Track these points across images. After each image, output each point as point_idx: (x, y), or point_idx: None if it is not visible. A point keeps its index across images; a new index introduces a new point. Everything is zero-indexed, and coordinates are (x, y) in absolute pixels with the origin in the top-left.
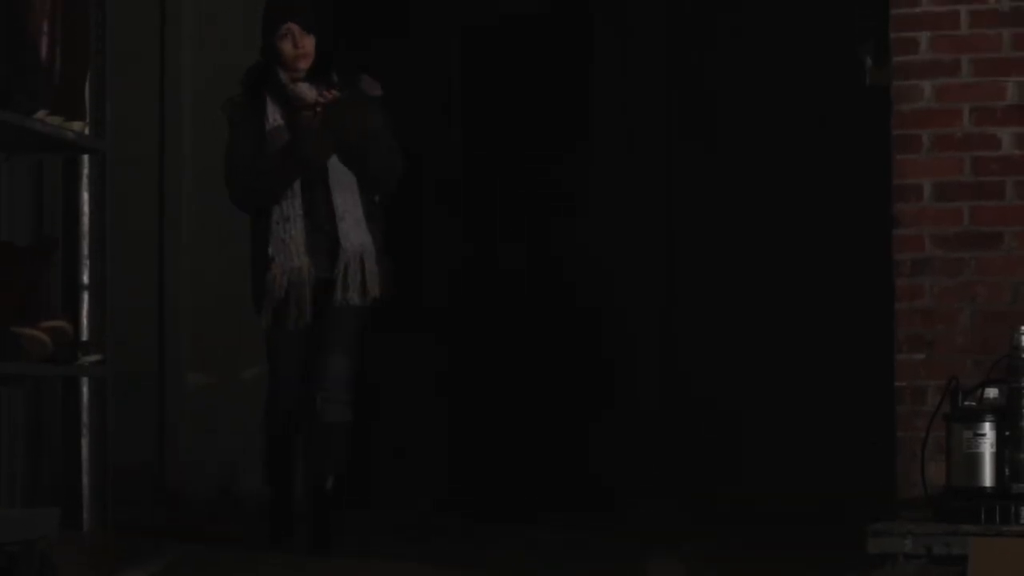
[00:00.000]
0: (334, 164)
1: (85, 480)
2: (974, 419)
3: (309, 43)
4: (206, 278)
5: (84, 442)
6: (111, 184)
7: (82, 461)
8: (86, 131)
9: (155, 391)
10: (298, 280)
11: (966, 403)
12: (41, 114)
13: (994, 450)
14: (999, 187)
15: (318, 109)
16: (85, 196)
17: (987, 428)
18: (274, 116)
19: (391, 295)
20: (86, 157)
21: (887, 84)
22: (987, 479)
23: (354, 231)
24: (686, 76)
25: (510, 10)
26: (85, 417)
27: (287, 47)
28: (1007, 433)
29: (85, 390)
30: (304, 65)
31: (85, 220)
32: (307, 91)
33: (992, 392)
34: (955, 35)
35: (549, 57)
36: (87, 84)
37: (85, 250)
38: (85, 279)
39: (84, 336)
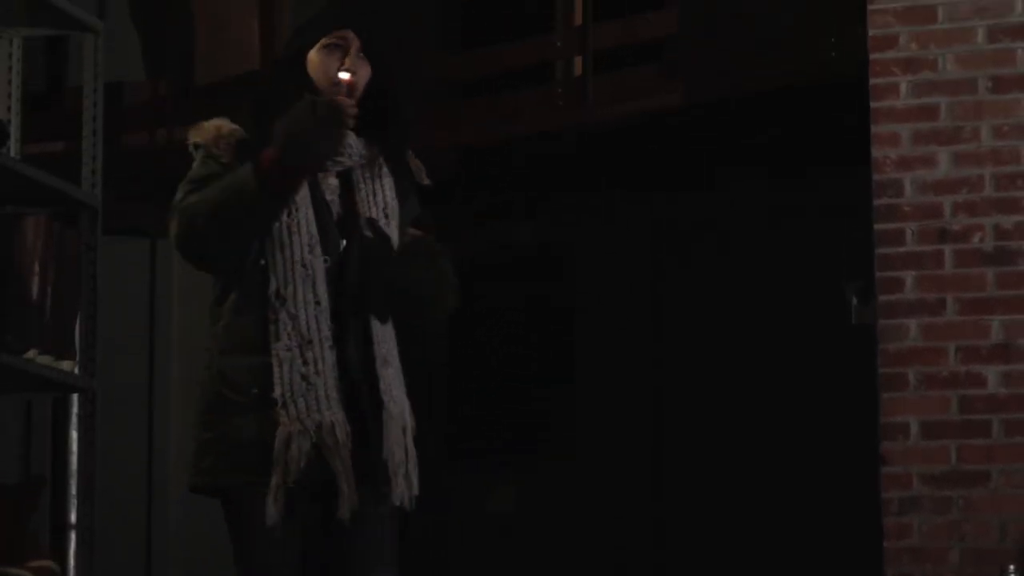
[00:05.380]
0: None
1: None
2: None
3: (364, 72)
4: (194, 521)
5: None
6: (100, 423)
7: None
8: (76, 370)
9: None
10: (332, 442)
11: None
12: (31, 353)
13: None
14: (986, 425)
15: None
16: (74, 435)
17: None
18: None
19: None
20: (75, 396)
21: (873, 323)
22: None
23: (397, 385)
24: (671, 311)
25: (486, 249)
26: None
27: (331, 63)
28: None
29: None
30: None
31: (73, 459)
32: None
33: None
34: (940, 274)
35: (530, 291)
36: (77, 323)
37: (73, 489)
38: (73, 519)
39: None
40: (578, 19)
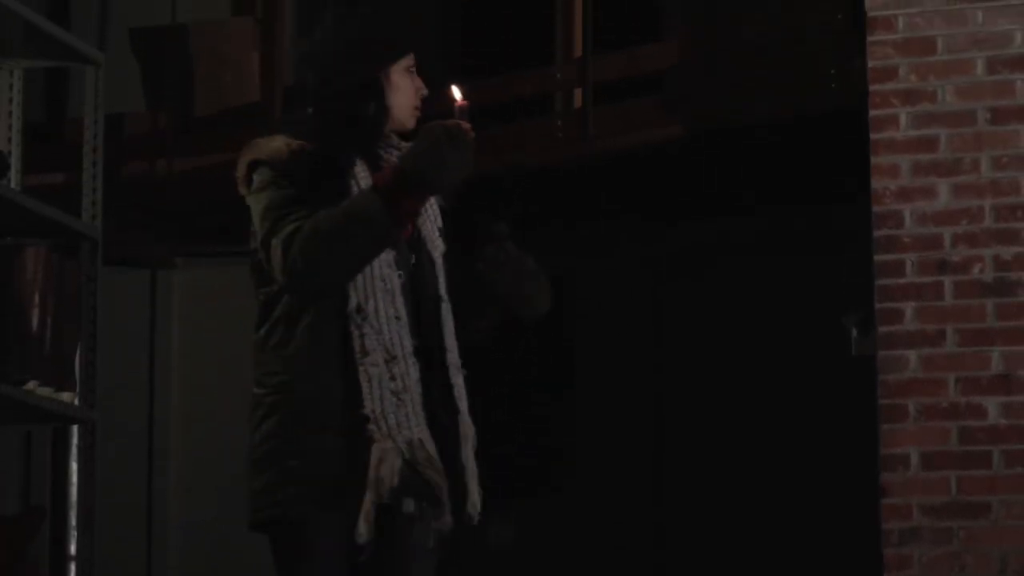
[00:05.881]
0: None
1: None
2: None
3: None
4: (195, 554)
5: None
6: (100, 454)
7: None
8: (76, 401)
9: None
10: (423, 457)
11: None
12: (31, 384)
13: None
14: (986, 456)
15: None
16: (74, 466)
17: None
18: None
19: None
20: (75, 427)
21: (873, 354)
22: None
23: (465, 396)
24: (671, 344)
25: None
26: None
27: (408, 88)
28: None
29: None
30: (413, 125)
31: (73, 490)
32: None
33: None
34: (940, 305)
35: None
36: (77, 354)
37: (73, 520)
38: (72, 550)
39: None
40: (578, 51)
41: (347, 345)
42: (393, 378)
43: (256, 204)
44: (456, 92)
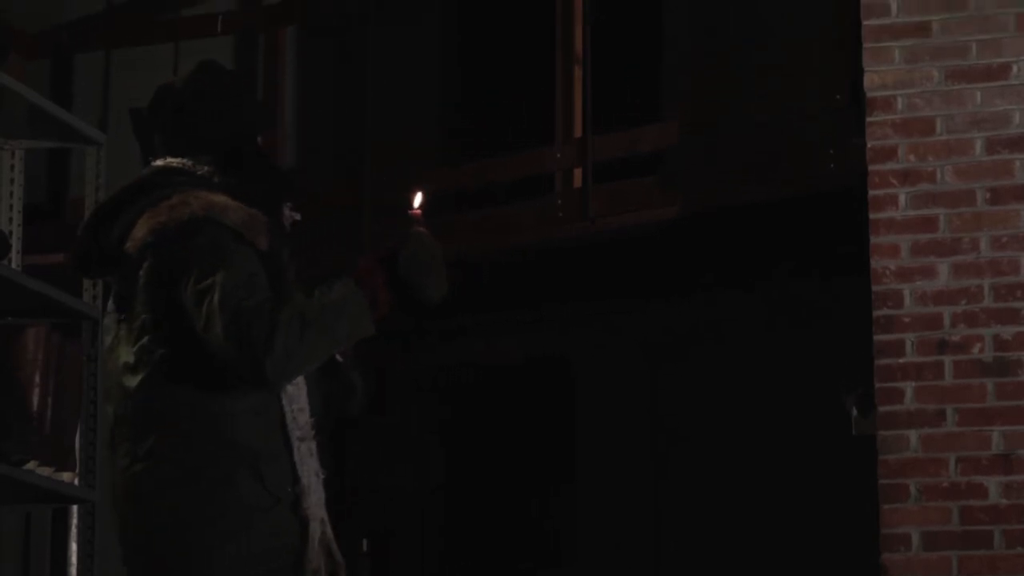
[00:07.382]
0: None
1: None
2: None
3: None
4: None
5: None
6: (100, 535)
7: None
8: (76, 482)
9: None
10: (331, 535)
11: None
12: (31, 464)
13: None
14: (987, 536)
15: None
16: (73, 547)
17: None
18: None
19: None
20: (75, 508)
21: (873, 433)
22: None
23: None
24: (670, 421)
25: (488, 362)
26: None
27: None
28: None
29: None
30: None
31: (73, 571)
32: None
33: None
34: (939, 385)
35: (531, 403)
36: (77, 434)
37: None
38: None
39: None
40: (578, 131)
41: (282, 425)
42: (311, 454)
43: (205, 266)
44: (419, 198)
